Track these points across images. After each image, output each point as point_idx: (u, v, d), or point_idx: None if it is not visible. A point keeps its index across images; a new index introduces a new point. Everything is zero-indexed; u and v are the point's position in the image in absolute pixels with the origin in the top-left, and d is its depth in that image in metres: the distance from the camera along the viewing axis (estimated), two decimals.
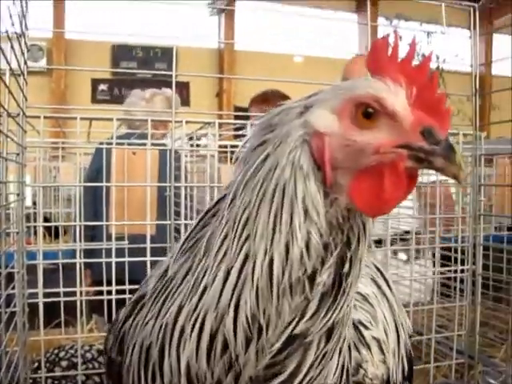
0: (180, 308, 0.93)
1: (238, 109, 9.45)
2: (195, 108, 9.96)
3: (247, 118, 2.73)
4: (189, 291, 0.93)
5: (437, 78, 0.88)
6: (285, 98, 4.09)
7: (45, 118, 1.94)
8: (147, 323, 1.00)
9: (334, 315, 0.90)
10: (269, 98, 4.19)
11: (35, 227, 2.16)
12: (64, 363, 2.04)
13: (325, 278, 0.89)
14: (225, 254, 0.90)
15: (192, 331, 0.90)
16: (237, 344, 0.88)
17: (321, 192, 0.89)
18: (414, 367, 2.20)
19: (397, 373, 1.22)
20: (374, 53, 0.93)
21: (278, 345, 0.88)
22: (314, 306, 0.88)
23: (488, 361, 2.37)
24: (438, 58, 9.69)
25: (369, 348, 1.14)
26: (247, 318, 0.87)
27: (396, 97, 0.87)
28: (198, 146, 2.24)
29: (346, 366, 0.99)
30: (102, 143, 2.63)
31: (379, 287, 1.30)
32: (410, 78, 0.88)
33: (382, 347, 1.17)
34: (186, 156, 2.34)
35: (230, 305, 0.88)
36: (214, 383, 0.90)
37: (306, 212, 0.87)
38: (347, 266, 0.90)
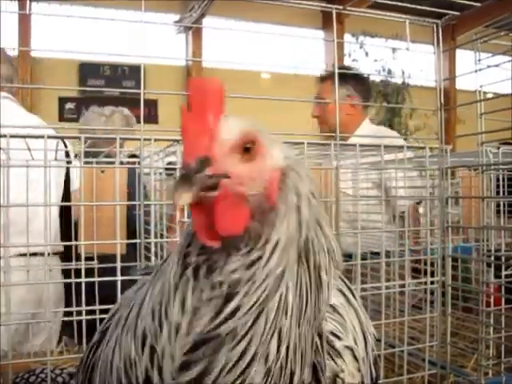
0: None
1: None
2: (164, 126, 9.92)
3: None
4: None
5: None
6: None
7: (11, 137, 1.91)
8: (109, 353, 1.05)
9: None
10: None
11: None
12: None
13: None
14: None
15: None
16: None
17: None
18: (388, 380, 2.22)
19: (367, 378, 1.24)
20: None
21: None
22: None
23: (459, 371, 2.38)
24: (403, 73, 9.88)
25: (343, 358, 1.15)
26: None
27: None
28: (169, 163, 2.23)
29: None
30: None
31: (345, 297, 1.33)
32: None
33: (355, 355, 1.19)
34: (154, 174, 2.33)
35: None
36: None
37: None
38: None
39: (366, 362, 1.26)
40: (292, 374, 0.96)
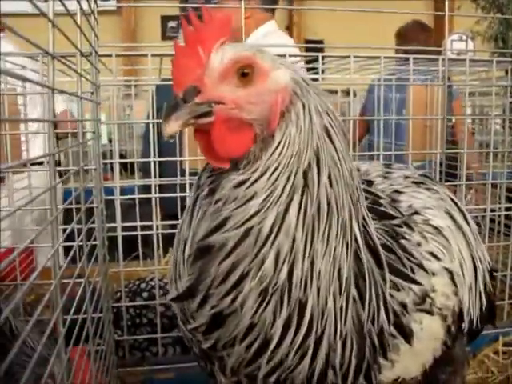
0: None
1: (309, 42, 9.24)
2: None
3: (319, 50, 2.66)
4: None
5: None
6: (426, 29, 3.95)
7: (116, 56, 1.97)
8: None
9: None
10: (408, 31, 4.03)
11: (111, 164, 2.23)
12: (145, 294, 2.15)
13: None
14: None
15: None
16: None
17: None
18: None
19: (474, 308, 1.21)
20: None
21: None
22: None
23: None
24: None
25: (438, 279, 1.14)
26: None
27: None
28: None
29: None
30: (164, 79, 2.64)
31: (454, 220, 1.29)
32: None
33: (454, 279, 1.16)
34: None
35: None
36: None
37: None
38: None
39: (474, 290, 1.23)
40: (303, 304, 0.96)
